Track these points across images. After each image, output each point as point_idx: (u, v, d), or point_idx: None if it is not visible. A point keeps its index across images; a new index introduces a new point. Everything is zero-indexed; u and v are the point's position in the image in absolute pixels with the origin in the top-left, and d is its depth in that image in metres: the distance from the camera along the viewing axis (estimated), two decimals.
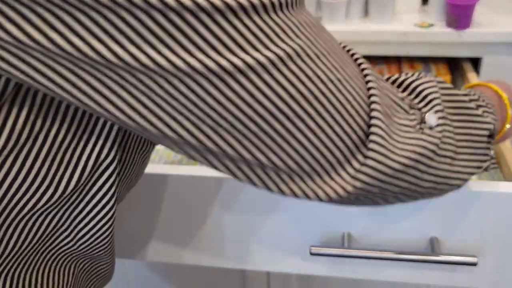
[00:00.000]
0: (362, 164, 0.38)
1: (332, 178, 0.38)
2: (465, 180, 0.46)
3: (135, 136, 0.43)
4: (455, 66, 1.03)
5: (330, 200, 0.39)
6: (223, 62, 0.31)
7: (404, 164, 0.39)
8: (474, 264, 0.57)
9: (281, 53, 0.33)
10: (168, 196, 0.64)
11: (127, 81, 0.31)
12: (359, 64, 0.41)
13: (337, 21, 0.97)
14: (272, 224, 0.63)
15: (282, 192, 0.39)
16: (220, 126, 0.34)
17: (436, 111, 0.42)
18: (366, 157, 0.38)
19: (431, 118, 0.41)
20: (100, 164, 0.40)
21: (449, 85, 0.46)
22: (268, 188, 0.39)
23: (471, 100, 0.47)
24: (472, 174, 0.47)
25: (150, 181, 0.63)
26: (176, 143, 0.35)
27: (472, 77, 0.95)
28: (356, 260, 0.62)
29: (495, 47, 0.94)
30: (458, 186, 0.46)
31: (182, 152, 0.37)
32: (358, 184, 0.38)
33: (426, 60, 1.03)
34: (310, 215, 0.61)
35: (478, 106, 0.48)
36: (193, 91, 0.32)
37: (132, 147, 0.44)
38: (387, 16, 0.96)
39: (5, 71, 0.31)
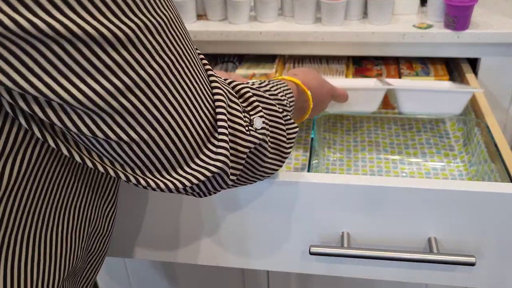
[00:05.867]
0: (216, 151, 0.43)
1: (185, 169, 0.43)
2: (269, 175, 0.55)
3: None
4: (454, 67, 1.04)
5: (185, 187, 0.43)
6: (86, 27, 0.34)
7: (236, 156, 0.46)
8: (472, 264, 0.58)
9: (145, 24, 0.37)
10: (168, 196, 0.65)
11: None
12: (201, 59, 0.46)
13: (336, 22, 0.97)
14: (272, 223, 0.63)
15: (139, 184, 0.42)
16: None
17: (260, 116, 0.49)
18: (217, 146, 0.43)
19: (258, 122, 0.48)
20: None
21: (268, 95, 0.54)
22: (119, 177, 0.42)
23: (282, 110, 0.55)
24: (275, 170, 0.56)
25: None
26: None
27: (471, 78, 0.95)
28: (355, 259, 0.63)
29: (493, 48, 0.95)
30: (262, 179, 0.56)
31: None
32: (214, 168, 0.43)
33: (425, 61, 1.04)
34: (309, 215, 0.62)
35: (285, 110, 0.57)
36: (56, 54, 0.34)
37: None
38: (386, 17, 0.97)
39: None
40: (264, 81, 0.61)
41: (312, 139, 0.82)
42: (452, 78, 1.01)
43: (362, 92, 0.83)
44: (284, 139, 0.54)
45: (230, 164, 0.45)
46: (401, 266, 0.63)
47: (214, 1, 1.02)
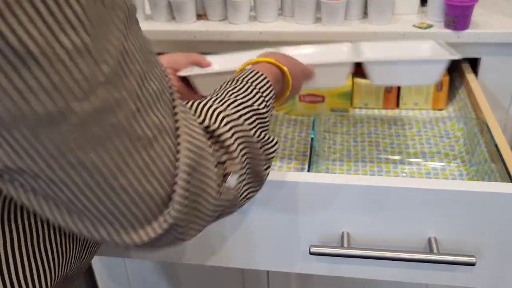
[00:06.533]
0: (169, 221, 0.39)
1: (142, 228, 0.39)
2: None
3: None
4: (454, 67, 1.04)
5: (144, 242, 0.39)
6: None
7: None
8: (472, 264, 0.58)
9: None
10: None
11: None
12: (174, 107, 0.40)
13: (336, 22, 0.97)
14: (272, 223, 0.63)
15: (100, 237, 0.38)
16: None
17: (235, 172, 0.44)
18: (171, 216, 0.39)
19: (232, 180, 0.44)
20: None
21: (247, 125, 0.48)
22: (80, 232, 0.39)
23: (261, 146, 0.49)
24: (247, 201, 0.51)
25: None
26: None
27: (471, 78, 0.95)
28: (355, 259, 0.63)
29: (493, 47, 0.94)
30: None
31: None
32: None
33: None
34: (309, 215, 0.62)
35: (264, 126, 0.51)
36: None
37: None
38: (386, 17, 0.97)
39: None
40: (236, 86, 0.53)
41: (312, 139, 0.82)
42: (452, 78, 1.01)
43: (327, 68, 0.77)
44: (261, 174, 0.50)
45: (191, 225, 0.42)
46: (401, 266, 0.63)
47: (214, 1, 1.02)
